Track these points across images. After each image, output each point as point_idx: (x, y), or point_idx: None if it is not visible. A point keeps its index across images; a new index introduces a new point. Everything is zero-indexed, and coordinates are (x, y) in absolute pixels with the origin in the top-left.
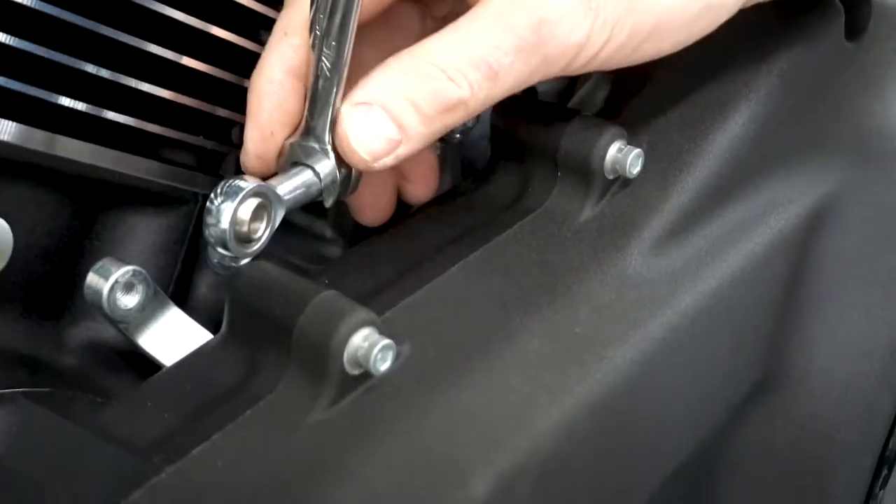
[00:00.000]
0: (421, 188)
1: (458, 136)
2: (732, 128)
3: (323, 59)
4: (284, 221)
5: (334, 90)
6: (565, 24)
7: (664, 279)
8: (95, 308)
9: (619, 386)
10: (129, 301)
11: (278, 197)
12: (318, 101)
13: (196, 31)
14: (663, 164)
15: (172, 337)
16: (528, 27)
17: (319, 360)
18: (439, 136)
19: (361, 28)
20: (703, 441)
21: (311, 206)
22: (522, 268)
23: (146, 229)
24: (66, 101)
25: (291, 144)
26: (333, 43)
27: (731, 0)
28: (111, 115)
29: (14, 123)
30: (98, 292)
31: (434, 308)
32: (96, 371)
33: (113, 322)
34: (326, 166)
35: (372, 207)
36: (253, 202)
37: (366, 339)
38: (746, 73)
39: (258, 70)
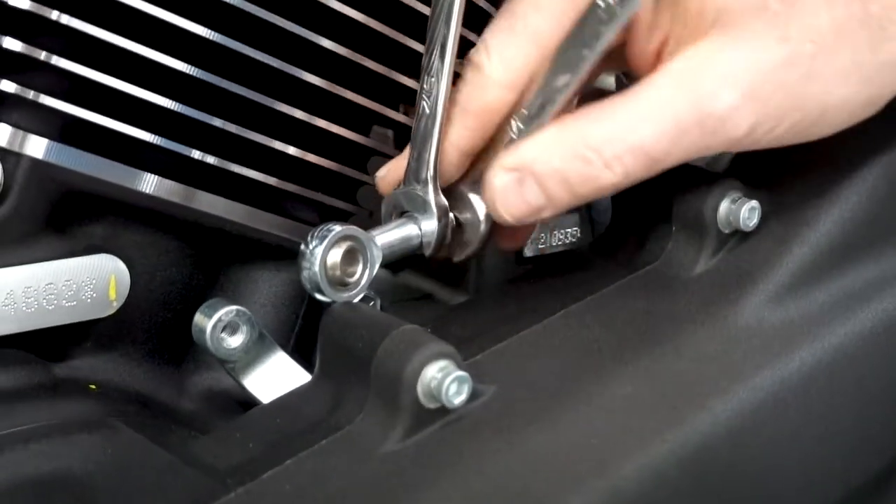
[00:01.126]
0: None
1: None
2: (862, 185)
3: (424, 97)
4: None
5: (435, 130)
6: (732, 119)
7: (778, 333)
8: (201, 346)
9: (717, 438)
10: (233, 341)
11: (372, 242)
12: (418, 142)
13: (328, 94)
14: (784, 220)
15: (275, 378)
16: (694, 121)
17: (394, 390)
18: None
19: None
20: None
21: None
22: (625, 318)
23: (268, 283)
24: (203, 157)
25: (396, 194)
26: (433, 79)
27: (891, 86)
28: (244, 170)
29: (157, 177)
30: (203, 330)
31: (526, 353)
32: (211, 415)
33: (220, 361)
34: (429, 218)
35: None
36: (343, 245)
37: (441, 370)
38: (881, 132)
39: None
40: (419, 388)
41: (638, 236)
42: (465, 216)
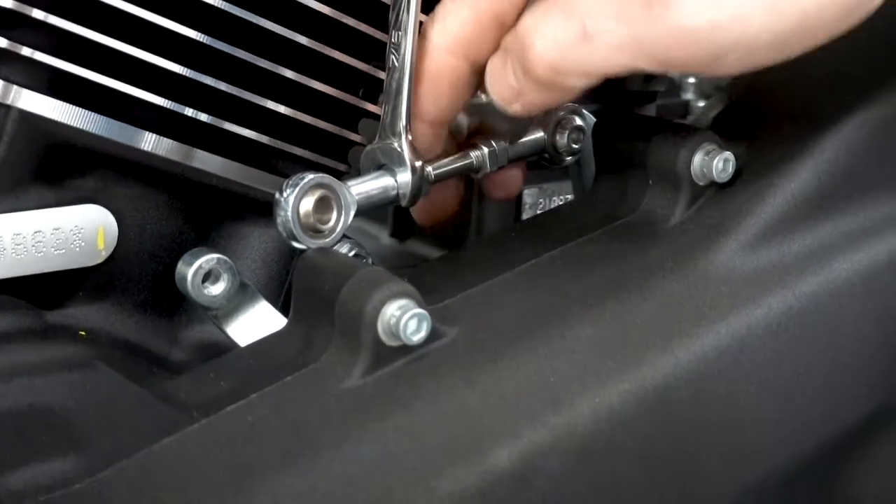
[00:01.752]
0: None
1: (568, 158)
2: (839, 137)
3: (392, 51)
4: None
5: (405, 83)
6: (682, 3)
7: (749, 281)
8: (184, 293)
9: (679, 380)
10: (214, 289)
11: (346, 190)
12: (392, 97)
13: (318, 54)
14: (760, 171)
15: (256, 325)
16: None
17: (356, 328)
18: (552, 98)
19: None
20: (803, 460)
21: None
22: (596, 267)
23: (259, 238)
24: (196, 114)
25: (372, 148)
26: (400, 33)
27: None
28: (239, 129)
29: (149, 133)
30: (184, 278)
31: (493, 299)
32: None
33: (203, 308)
34: (404, 169)
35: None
36: (316, 193)
37: (400, 308)
38: (859, 85)
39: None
40: (379, 326)
41: (618, 191)
42: None
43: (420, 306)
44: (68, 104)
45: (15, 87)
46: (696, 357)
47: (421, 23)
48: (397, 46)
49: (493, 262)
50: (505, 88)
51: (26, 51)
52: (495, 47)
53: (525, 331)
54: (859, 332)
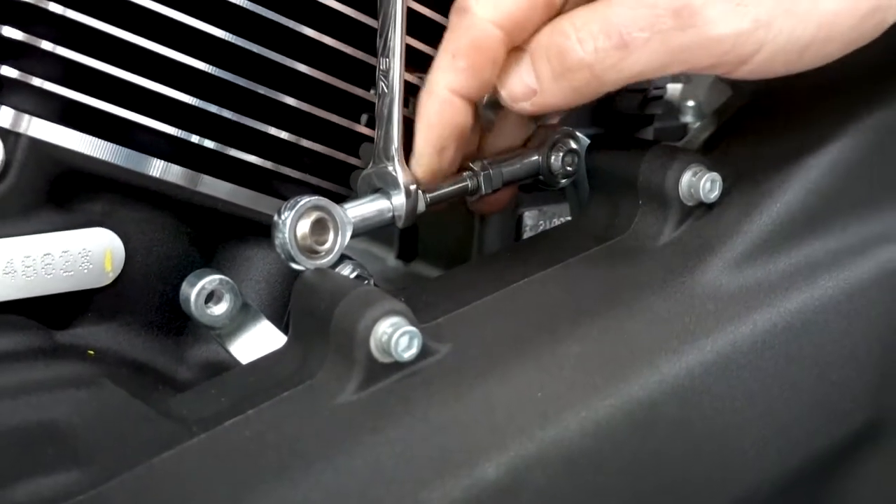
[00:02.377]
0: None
1: (563, 180)
2: (825, 158)
3: (381, 77)
4: None
5: (395, 108)
6: (708, 13)
7: (734, 299)
8: (188, 313)
9: (664, 395)
10: (217, 309)
11: (342, 212)
12: (384, 122)
13: (319, 83)
14: (748, 191)
15: (258, 344)
16: (669, 8)
17: (350, 346)
18: (573, 100)
19: None
20: (791, 475)
21: None
22: (585, 285)
23: (263, 260)
24: (201, 141)
25: (368, 173)
26: (388, 59)
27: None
28: (243, 155)
29: (157, 159)
30: (188, 298)
31: (485, 317)
32: None
33: (206, 328)
34: (398, 192)
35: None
36: (313, 215)
37: (392, 325)
38: (845, 106)
39: (427, 89)
40: (372, 343)
41: (610, 211)
42: None
43: (412, 324)
44: (77, 132)
45: (26, 115)
46: (681, 373)
47: (408, 46)
48: (386, 72)
49: (486, 281)
50: (519, 86)
51: (36, 81)
52: (537, 29)
53: (515, 347)
54: (845, 349)
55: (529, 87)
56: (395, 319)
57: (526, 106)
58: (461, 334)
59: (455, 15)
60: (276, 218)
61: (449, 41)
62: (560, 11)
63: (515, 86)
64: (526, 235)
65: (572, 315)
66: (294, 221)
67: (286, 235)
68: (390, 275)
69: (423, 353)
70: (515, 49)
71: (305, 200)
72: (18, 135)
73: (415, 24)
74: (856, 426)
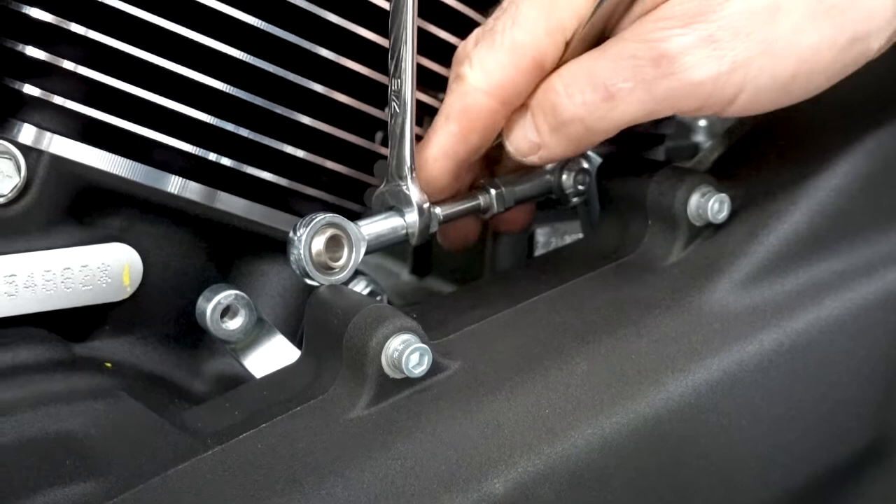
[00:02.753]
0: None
1: (574, 199)
2: (831, 180)
3: (393, 98)
4: None
5: (407, 127)
6: (686, 60)
7: (741, 318)
8: (203, 328)
9: (671, 413)
10: (232, 324)
11: (356, 229)
12: (396, 141)
13: (334, 102)
14: (755, 212)
15: (272, 358)
16: (649, 59)
17: (361, 362)
18: (574, 150)
19: None
20: (796, 493)
21: None
22: (594, 304)
23: (278, 275)
24: (218, 159)
25: (382, 191)
26: (399, 80)
27: (878, 32)
28: (260, 172)
29: (181, 178)
30: (204, 313)
31: (495, 334)
32: None
33: (221, 342)
34: (412, 210)
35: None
36: (328, 232)
37: (403, 342)
38: (850, 129)
39: (425, 140)
40: (383, 359)
41: (619, 230)
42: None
43: (422, 341)
44: (97, 149)
45: (47, 133)
46: (687, 391)
47: (419, 65)
48: (398, 93)
49: (497, 299)
50: (524, 143)
51: (58, 99)
52: (530, 92)
53: (523, 365)
54: (851, 369)
55: (533, 142)
56: (406, 336)
57: (534, 159)
58: (471, 351)
59: (452, 80)
60: (291, 234)
61: (445, 104)
62: (555, 69)
63: (521, 142)
64: (538, 252)
65: (580, 333)
66: (309, 238)
67: (301, 252)
68: (404, 289)
69: (434, 369)
70: (521, 107)
71: (320, 218)
72: (40, 152)
73: (426, 44)
74: (860, 445)
